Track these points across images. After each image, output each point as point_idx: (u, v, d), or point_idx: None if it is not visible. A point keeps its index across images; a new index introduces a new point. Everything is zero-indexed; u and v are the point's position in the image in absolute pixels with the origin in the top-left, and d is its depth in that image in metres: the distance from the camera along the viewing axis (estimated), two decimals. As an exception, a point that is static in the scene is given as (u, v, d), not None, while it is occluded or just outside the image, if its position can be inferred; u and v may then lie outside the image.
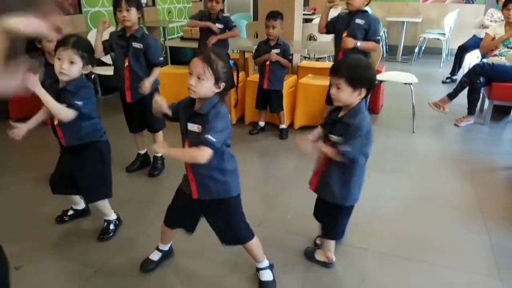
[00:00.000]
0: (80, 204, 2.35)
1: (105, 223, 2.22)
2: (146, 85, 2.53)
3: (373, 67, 1.65)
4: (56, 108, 1.81)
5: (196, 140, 1.50)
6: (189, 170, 1.62)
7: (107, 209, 2.21)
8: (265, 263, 1.87)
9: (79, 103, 1.87)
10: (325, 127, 1.75)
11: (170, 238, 1.96)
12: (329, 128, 1.69)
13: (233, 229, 1.74)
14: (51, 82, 1.92)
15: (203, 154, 1.45)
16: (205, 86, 1.46)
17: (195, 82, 1.45)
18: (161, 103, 1.61)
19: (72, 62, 1.83)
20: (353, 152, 1.57)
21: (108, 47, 2.60)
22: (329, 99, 3.38)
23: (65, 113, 1.83)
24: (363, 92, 1.60)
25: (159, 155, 2.96)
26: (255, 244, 1.80)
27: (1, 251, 1.21)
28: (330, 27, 3.18)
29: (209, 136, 1.44)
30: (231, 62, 1.64)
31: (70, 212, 2.34)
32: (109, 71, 4.10)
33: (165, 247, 1.98)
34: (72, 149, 2.01)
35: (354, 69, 1.60)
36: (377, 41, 3.07)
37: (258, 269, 1.87)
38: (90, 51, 1.94)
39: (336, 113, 1.70)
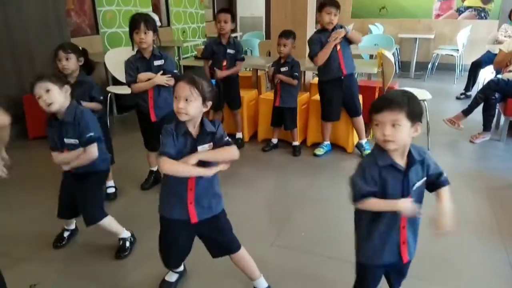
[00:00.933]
0: (73, 223, 2.37)
1: (120, 242, 2.22)
2: (158, 76, 2.59)
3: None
4: (78, 163, 1.95)
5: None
6: (191, 194, 1.61)
7: (117, 229, 2.21)
8: (264, 283, 1.85)
9: (92, 134, 1.95)
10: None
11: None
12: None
13: (225, 240, 1.74)
14: (50, 120, 1.99)
15: (236, 150, 1.59)
16: (194, 106, 1.50)
17: (184, 104, 1.48)
18: None
19: (47, 90, 1.87)
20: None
21: (135, 71, 2.64)
22: (328, 116, 3.44)
23: (88, 158, 1.96)
24: (419, 128, 1.34)
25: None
26: (245, 254, 1.79)
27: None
28: (318, 49, 3.26)
29: (229, 139, 1.60)
30: (213, 81, 1.70)
31: (66, 234, 2.34)
32: (124, 90, 4.19)
33: (180, 268, 1.97)
34: (78, 175, 2.06)
35: (412, 100, 1.32)
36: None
37: None
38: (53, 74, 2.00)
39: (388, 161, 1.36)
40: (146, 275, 2.04)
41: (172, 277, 1.95)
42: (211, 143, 1.56)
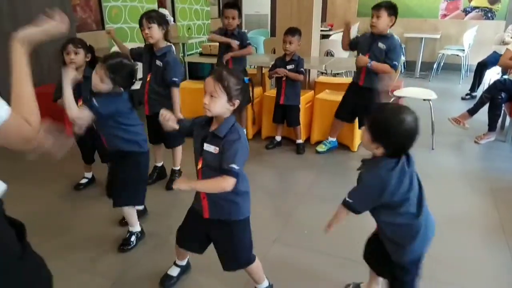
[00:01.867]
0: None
1: (128, 234, 2.24)
2: (163, 113, 2.57)
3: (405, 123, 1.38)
4: (68, 101, 1.86)
5: (211, 160, 1.51)
6: None
7: (134, 219, 2.23)
8: (265, 283, 1.85)
9: (95, 103, 1.92)
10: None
11: (186, 255, 1.97)
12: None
13: (237, 252, 1.70)
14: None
15: (230, 183, 1.45)
16: (218, 103, 1.46)
17: (209, 100, 1.46)
18: (168, 117, 1.63)
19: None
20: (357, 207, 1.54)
21: (136, 55, 2.73)
22: (339, 113, 3.44)
23: (75, 110, 1.89)
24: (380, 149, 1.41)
25: (177, 168, 2.99)
26: (256, 266, 1.77)
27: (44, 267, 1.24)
28: (353, 44, 3.24)
29: (234, 166, 1.44)
30: (247, 79, 1.64)
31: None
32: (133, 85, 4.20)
33: (183, 262, 1.98)
34: (113, 155, 2.16)
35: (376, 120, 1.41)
36: (393, 66, 2.98)
37: None
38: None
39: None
40: (147, 271, 2.04)
41: (174, 271, 1.96)
42: (217, 148, 1.49)
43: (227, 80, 1.46)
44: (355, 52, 3.34)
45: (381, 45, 3.00)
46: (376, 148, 1.41)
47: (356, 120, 3.42)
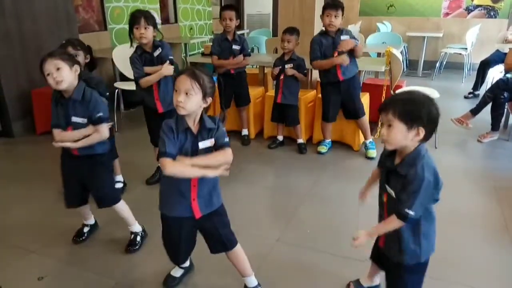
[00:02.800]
0: (91, 218, 2.36)
1: (132, 235, 2.24)
2: (165, 66, 2.60)
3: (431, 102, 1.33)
4: (90, 142, 1.94)
5: (206, 153, 1.55)
6: (194, 191, 1.60)
7: (128, 216, 2.23)
8: (254, 280, 1.85)
9: (101, 114, 1.94)
10: (382, 172, 1.52)
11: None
12: (385, 177, 1.46)
13: (224, 235, 1.73)
14: (56, 97, 1.98)
15: (230, 154, 1.54)
16: (193, 101, 1.48)
17: (184, 98, 1.47)
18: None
19: (58, 68, 1.85)
20: (415, 214, 1.34)
21: (141, 65, 2.69)
22: (328, 117, 3.43)
23: (100, 137, 1.96)
24: (421, 132, 1.32)
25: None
26: (241, 251, 1.79)
27: None
28: (318, 53, 3.24)
29: (227, 140, 1.57)
30: (215, 77, 1.67)
31: (86, 229, 2.33)
32: (131, 85, 4.20)
33: (186, 264, 1.98)
34: (81, 159, 2.04)
35: (408, 102, 1.33)
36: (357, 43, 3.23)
37: None
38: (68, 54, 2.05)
39: (390, 159, 1.44)
40: (153, 269, 2.05)
41: (177, 272, 1.96)
42: (212, 140, 1.55)
43: (202, 78, 1.49)
44: None
45: (344, 37, 3.16)
46: (416, 134, 1.31)
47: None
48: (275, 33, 7.08)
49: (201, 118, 1.56)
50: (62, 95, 1.94)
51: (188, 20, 6.88)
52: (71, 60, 1.93)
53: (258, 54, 5.36)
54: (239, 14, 3.53)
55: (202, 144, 1.55)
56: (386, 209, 1.49)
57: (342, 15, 3.14)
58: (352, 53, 3.21)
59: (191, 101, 1.48)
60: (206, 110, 1.59)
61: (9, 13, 3.75)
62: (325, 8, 3.14)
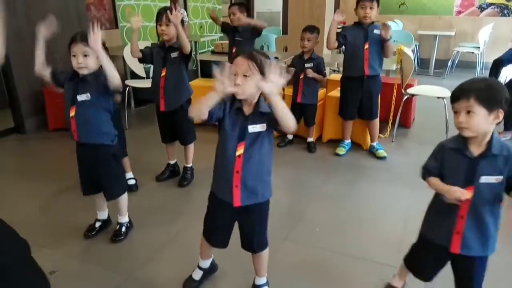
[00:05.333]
0: (105, 211, 2.37)
1: (118, 226, 2.31)
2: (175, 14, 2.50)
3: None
4: (111, 65, 1.89)
5: (256, 142, 1.50)
6: (237, 177, 1.53)
7: (125, 208, 2.30)
8: (264, 279, 1.85)
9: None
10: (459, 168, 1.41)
11: (210, 254, 1.90)
12: (471, 171, 1.38)
13: (260, 233, 1.70)
14: (69, 78, 2.02)
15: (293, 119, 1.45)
16: (251, 83, 1.42)
17: (242, 80, 1.41)
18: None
19: (85, 55, 1.92)
20: None
21: (148, 55, 2.69)
22: (347, 115, 3.41)
23: (116, 73, 1.92)
24: (501, 115, 1.34)
25: (189, 165, 3.00)
26: (266, 255, 1.77)
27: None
28: (342, 39, 3.21)
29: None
30: (274, 57, 1.61)
31: (98, 224, 2.34)
32: (142, 83, 4.25)
33: (206, 264, 1.92)
34: (88, 148, 2.08)
35: (488, 87, 1.36)
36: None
37: (257, 286, 1.84)
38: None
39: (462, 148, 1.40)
40: (159, 268, 2.07)
41: (197, 275, 1.91)
42: (264, 124, 1.48)
43: (259, 58, 1.43)
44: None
45: (377, 31, 3.12)
46: (496, 117, 1.33)
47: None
48: (285, 31, 7.06)
49: (258, 102, 1.50)
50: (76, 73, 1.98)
51: (198, 18, 6.90)
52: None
53: (268, 52, 5.35)
54: (243, 9, 3.55)
55: (251, 128, 1.49)
56: (469, 206, 1.40)
57: (378, 6, 3.11)
58: (382, 50, 3.16)
59: (249, 84, 1.42)
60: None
61: (21, 12, 3.80)
62: (360, 0, 3.11)
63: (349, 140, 3.57)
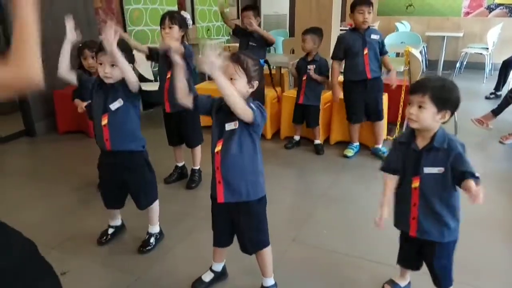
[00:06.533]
0: (118, 219, 2.34)
1: (147, 236, 2.23)
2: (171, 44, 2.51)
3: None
4: (126, 65, 1.84)
5: (230, 139, 1.54)
6: (218, 173, 1.59)
7: (156, 218, 2.23)
8: (272, 280, 1.84)
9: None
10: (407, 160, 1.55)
11: (222, 256, 1.90)
12: (416, 161, 1.50)
13: (252, 234, 1.70)
14: (97, 86, 1.99)
15: (249, 112, 1.47)
16: (238, 85, 1.48)
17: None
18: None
19: (113, 65, 1.86)
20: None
21: (154, 55, 2.74)
22: (354, 118, 3.41)
23: (132, 72, 1.88)
24: (447, 116, 1.45)
25: (197, 168, 3.02)
26: (270, 251, 1.78)
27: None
28: (341, 55, 3.27)
29: (251, 105, 1.51)
30: (262, 60, 1.66)
31: (111, 231, 2.30)
32: (149, 86, 4.27)
33: (218, 267, 1.92)
34: (121, 156, 2.02)
35: (441, 87, 1.44)
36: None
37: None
38: (128, 51, 1.97)
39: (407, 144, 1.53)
40: (168, 269, 2.08)
41: (207, 276, 1.91)
42: (237, 122, 1.53)
43: (245, 61, 1.49)
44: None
45: (374, 36, 3.18)
46: (442, 117, 1.44)
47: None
48: (291, 34, 7.07)
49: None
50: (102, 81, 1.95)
51: (205, 21, 6.94)
52: (128, 59, 1.90)
53: (275, 55, 5.36)
54: (254, 13, 3.59)
55: (227, 126, 1.55)
56: (419, 194, 1.52)
57: (373, 10, 3.16)
58: (379, 53, 3.25)
59: (236, 86, 1.47)
60: (253, 94, 1.56)
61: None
62: (356, 5, 3.11)
63: (358, 143, 3.57)
